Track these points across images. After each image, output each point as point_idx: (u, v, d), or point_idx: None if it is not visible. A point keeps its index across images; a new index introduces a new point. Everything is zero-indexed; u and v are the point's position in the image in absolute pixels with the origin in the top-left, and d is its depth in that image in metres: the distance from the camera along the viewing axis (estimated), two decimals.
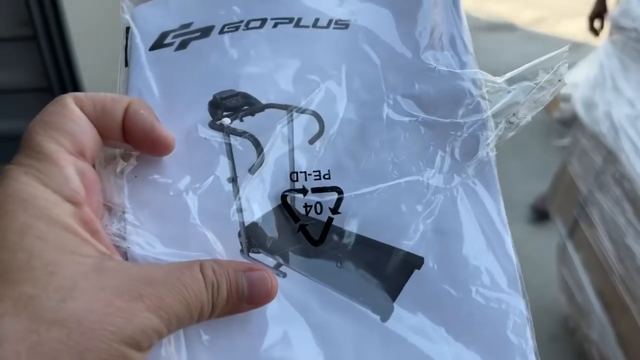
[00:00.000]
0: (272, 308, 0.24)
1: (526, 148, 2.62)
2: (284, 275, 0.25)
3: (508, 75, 0.26)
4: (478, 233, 0.25)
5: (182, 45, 0.29)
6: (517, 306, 0.25)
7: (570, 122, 1.51)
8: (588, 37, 1.66)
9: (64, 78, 1.12)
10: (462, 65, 0.28)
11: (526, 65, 0.26)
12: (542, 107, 0.25)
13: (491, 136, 0.26)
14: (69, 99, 0.24)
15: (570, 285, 1.45)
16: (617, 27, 1.16)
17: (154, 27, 0.29)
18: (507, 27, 4.34)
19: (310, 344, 0.24)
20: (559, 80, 0.25)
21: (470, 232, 0.25)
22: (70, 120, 0.24)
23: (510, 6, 4.65)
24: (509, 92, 0.26)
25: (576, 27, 4.37)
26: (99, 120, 0.25)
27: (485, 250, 0.25)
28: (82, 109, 0.24)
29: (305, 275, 0.25)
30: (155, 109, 0.27)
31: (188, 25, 0.29)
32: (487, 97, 0.27)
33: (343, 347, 0.24)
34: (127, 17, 0.29)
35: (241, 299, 0.24)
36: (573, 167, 1.34)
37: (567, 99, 1.78)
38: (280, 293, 0.25)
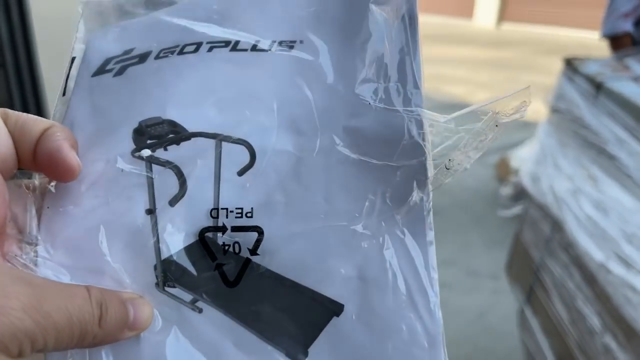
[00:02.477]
0: (183, 344, 0.24)
1: (486, 219, 2.73)
2: (200, 310, 0.24)
3: (454, 114, 0.24)
4: (402, 286, 0.24)
5: (120, 72, 0.28)
6: None
7: (520, 196, 1.62)
8: (537, 117, 1.82)
9: (29, 107, 1.09)
10: (406, 101, 0.26)
11: (475, 105, 0.24)
12: (482, 153, 0.23)
13: (427, 181, 0.24)
14: None
15: (531, 351, 1.50)
16: (553, 110, 1.30)
17: (100, 53, 0.29)
18: (461, 108, 4.60)
19: None
20: (496, 125, 0.23)
21: (393, 285, 0.24)
22: None
23: (465, 88, 4.97)
24: (454, 133, 0.24)
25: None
26: (16, 135, 0.25)
27: (407, 304, 0.23)
28: (5, 122, 0.25)
29: (222, 313, 0.24)
30: (85, 139, 0.27)
31: (130, 51, 0.29)
32: (429, 137, 0.24)
33: None
34: (77, 46, 0.29)
35: (126, 323, 0.23)
36: (525, 236, 1.43)
37: (517, 172, 1.91)
38: (194, 329, 0.24)
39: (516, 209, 1.58)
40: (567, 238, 1.12)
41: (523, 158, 1.54)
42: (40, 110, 1.13)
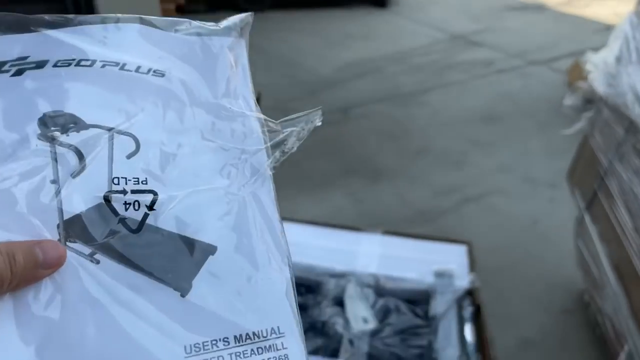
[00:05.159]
0: (82, 289, 0.29)
1: (550, 127, 2.61)
2: (97, 262, 0.30)
3: (281, 120, 0.37)
4: (262, 225, 0.34)
5: (18, 73, 0.33)
6: (287, 276, 0.33)
7: (585, 107, 1.51)
8: (617, 19, 1.64)
9: None
10: (250, 110, 0.37)
11: (294, 116, 0.37)
12: (303, 140, 0.37)
13: (269, 160, 0.36)
14: None
15: (586, 258, 1.46)
16: None
17: None
18: (537, 8, 4.26)
19: (116, 321, 0.29)
20: (312, 122, 0.37)
21: (256, 224, 0.34)
22: None
23: None
24: (282, 132, 0.37)
25: (606, 10, 4.27)
26: None
27: (267, 237, 0.34)
28: None
29: (116, 262, 0.30)
30: None
31: (25, 57, 0.34)
32: (267, 133, 0.37)
33: (150, 317, 0.29)
34: None
35: (37, 263, 0.27)
36: (595, 139, 1.34)
37: (585, 78, 1.77)
38: (92, 276, 0.29)
39: (579, 124, 1.47)
40: None
41: (595, 63, 1.40)
42: None
